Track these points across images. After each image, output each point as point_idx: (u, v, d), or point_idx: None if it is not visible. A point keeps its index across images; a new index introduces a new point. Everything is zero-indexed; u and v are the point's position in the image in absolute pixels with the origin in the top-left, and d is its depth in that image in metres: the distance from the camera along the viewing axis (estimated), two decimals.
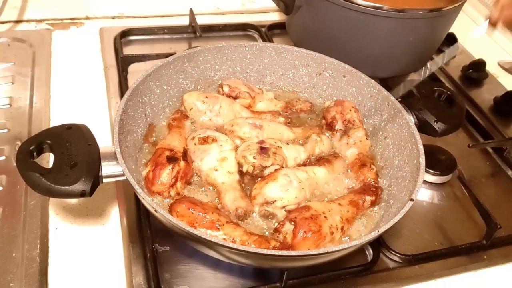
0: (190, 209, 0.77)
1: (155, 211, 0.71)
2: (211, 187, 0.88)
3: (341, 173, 0.95)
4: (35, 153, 0.77)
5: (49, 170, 0.73)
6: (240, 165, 0.89)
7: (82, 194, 0.72)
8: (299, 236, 0.77)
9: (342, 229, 0.83)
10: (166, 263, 0.85)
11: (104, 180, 0.78)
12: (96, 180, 0.75)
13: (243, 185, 0.89)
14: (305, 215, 0.80)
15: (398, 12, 1.09)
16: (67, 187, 0.72)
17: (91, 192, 0.74)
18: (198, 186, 0.89)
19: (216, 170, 0.87)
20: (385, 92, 1.00)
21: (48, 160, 0.96)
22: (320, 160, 0.95)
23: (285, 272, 0.80)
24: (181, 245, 0.87)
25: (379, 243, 0.92)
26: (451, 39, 1.49)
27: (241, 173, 0.89)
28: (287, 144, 0.96)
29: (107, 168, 0.77)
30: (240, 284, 0.84)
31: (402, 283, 0.89)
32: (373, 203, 0.90)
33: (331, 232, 0.80)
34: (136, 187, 0.74)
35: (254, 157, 0.88)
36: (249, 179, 0.90)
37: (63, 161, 0.75)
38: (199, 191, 0.88)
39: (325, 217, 0.81)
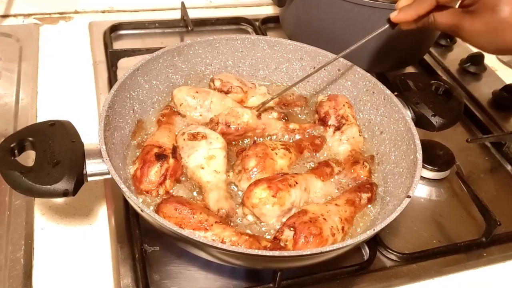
0: (177, 210, 0.74)
1: (141, 210, 0.69)
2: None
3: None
4: (16, 151, 0.74)
5: (30, 168, 0.71)
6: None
7: (64, 193, 0.69)
8: (300, 242, 0.74)
9: (343, 229, 0.80)
10: (156, 264, 0.82)
11: (89, 179, 0.75)
12: (79, 178, 0.72)
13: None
14: (304, 219, 0.77)
15: (394, 3, 1.06)
16: (48, 186, 0.69)
17: (74, 192, 0.71)
18: (189, 183, 0.86)
19: (203, 168, 0.85)
20: (381, 86, 0.98)
21: (33, 158, 0.93)
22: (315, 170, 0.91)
23: (279, 273, 0.77)
24: (171, 245, 0.84)
25: (375, 242, 0.90)
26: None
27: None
28: None
29: (92, 166, 0.74)
30: (232, 285, 0.82)
31: (399, 282, 0.87)
32: (369, 200, 0.87)
33: (333, 234, 0.77)
34: (122, 185, 0.71)
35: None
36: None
37: (45, 159, 0.72)
38: (190, 189, 0.85)
39: (324, 219, 0.78)
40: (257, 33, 1.40)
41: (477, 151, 1.16)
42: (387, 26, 0.89)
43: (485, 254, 0.93)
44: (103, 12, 1.44)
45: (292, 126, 0.99)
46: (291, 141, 0.98)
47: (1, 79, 1.15)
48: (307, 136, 0.99)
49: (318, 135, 0.99)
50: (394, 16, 0.85)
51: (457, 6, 0.82)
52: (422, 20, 0.83)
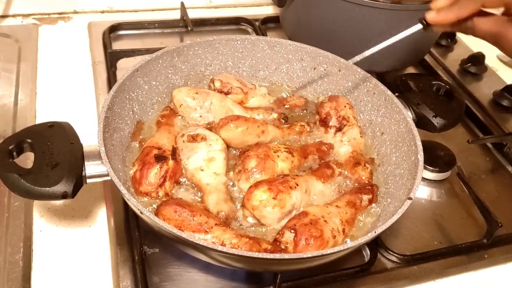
0: (177, 212, 0.74)
1: (141, 212, 0.68)
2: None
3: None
4: (14, 153, 0.73)
5: (29, 170, 0.70)
6: None
7: (63, 195, 0.69)
8: (301, 244, 0.74)
9: (343, 231, 0.79)
10: (155, 266, 0.82)
11: (88, 181, 0.74)
12: (78, 180, 0.71)
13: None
14: (304, 221, 0.77)
15: (395, 3, 1.06)
16: (47, 189, 0.68)
17: (73, 194, 0.70)
18: (189, 185, 0.85)
19: (202, 170, 0.84)
20: (382, 87, 0.97)
21: (32, 160, 0.93)
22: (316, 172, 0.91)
23: (279, 275, 0.77)
24: (171, 247, 0.84)
25: (376, 243, 0.89)
26: (450, 32, 1.45)
27: None
28: None
29: (91, 168, 0.74)
30: (232, 287, 0.81)
31: (400, 284, 0.86)
32: (370, 202, 0.87)
33: (334, 236, 0.77)
34: (121, 187, 0.70)
35: None
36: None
37: (44, 161, 0.71)
38: (190, 191, 0.85)
39: (325, 221, 0.78)
40: (257, 33, 1.40)
41: (478, 152, 1.15)
42: (419, 27, 0.80)
43: (486, 256, 0.92)
44: (102, 12, 1.43)
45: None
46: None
47: (0, 79, 1.14)
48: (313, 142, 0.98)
49: (325, 141, 0.98)
50: (431, 17, 0.78)
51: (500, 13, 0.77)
52: (460, 24, 0.77)
